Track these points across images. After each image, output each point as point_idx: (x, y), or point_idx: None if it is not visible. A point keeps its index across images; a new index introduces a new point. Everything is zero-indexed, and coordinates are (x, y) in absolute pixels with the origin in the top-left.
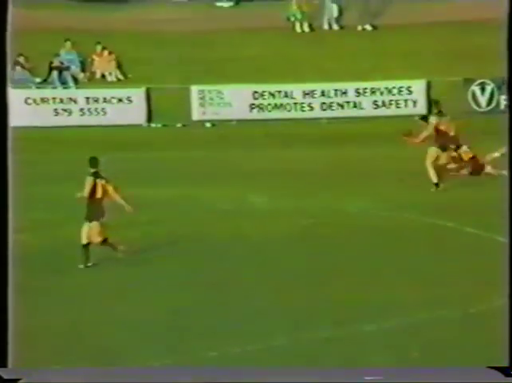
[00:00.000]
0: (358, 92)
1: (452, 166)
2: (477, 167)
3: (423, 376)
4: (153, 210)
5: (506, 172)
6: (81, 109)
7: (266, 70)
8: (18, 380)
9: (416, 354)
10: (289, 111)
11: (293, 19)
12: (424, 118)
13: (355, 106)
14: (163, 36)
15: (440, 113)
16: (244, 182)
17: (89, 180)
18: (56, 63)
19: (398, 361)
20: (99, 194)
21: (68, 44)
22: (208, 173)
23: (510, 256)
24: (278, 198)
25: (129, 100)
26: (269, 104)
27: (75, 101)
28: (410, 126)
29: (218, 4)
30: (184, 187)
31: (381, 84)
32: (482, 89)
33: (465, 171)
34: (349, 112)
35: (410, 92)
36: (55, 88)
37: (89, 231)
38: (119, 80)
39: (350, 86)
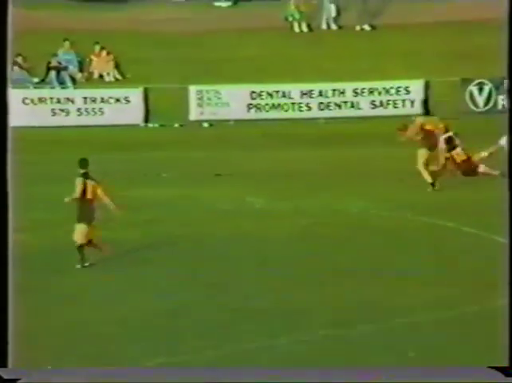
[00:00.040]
0: (356, 92)
1: (434, 168)
2: (470, 169)
3: (423, 376)
4: (151, 210)
5: (497, 172)
6: (79, 109)
7: (264, 70)
8: (18, 380)
9: (416, 354)
10: (286, 111)
11: (291, 19)
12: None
13: (352, 106)
14: (161, 36)
15: (427, 113)
16: (242, 182)
17: (79, 181)
18: (54, 63)
19: (398, 361)
20: (89, 195)
21: (67, 44)
22: (206, 173)
23: (510, 256)
24: (276, 198)
25: (127, 100)
26: (266, 104)
27: (72, 101)
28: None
29: (217, 4)
30: (182, 187)
31: (379, 84)
32: (480, 89)
33: (458, 173)
34: (347, 112)
35: (408, 92)
36: (53, 88)
37: (83, 232)
38: (117, 80)
39: (348, 86)
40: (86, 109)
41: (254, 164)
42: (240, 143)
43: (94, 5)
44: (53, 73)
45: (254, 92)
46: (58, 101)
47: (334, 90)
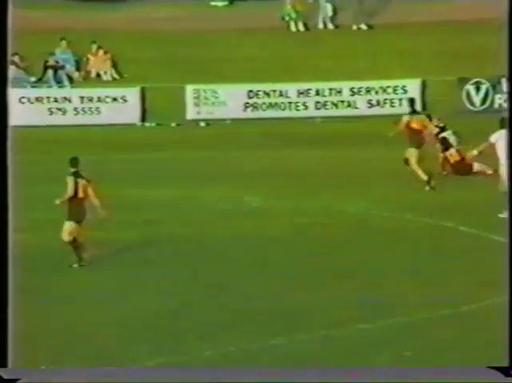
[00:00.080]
0: (353, 92)
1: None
2: (463, 169)
3: (423, 376)
4: (148, 209)
5: (491, 171)
6: (75, 108)
7: (261, 69)
8: (18, 380)
9: (416, 354)
10: (283, 110)
11: (287, 18)
12: (427, 117)
13: (349, 105)
14: (158, 35)
15: (414, 112)
16: (239, 181)
17: (71, 180)
18: (51, 62)
19: (397, 361)
20: (80, 193)
21: (64, 43)
22: (203, 172)
23: (510, 256)
24: (273, 197)
25: (124, 99)
26: (263, 103)
27: (69, 100)
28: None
29: (213, 3)
30: (179, 186)
31: (376, 84)
32: (477, 88)
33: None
34: (344, 111)
35: (405, 92)
36: (50, 87)
37: (69, 230)
38: (114, 79)
39: (345, 85)
40: (83, 108)
41: (252, 163)
42: (237, 142)
43: (91, 5)
44: (50, 72)
45: (250, 91)
46: (55, 100)
47: (331, 89)
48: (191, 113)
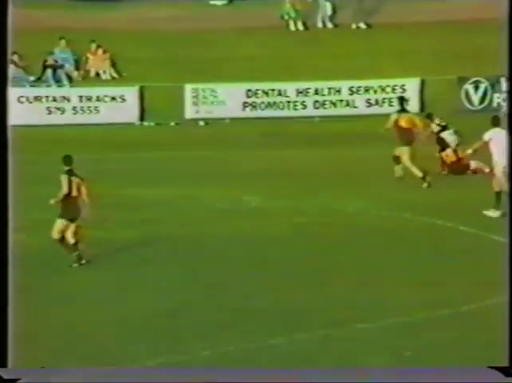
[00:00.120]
0: (351, 91)
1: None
2: (459, 169)
3: (423, 376)
4: (147, 208)
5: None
6: (74, 108)
7: (260, 69)
8: (18, 380)
9: (416, 354)
10: (282, 109)
11: (286, 17)
12: (429, 116)
13: (348, 104)
14: (157, 35)
15: (403, 110)
16: (238, 180)
17: (64, 178)
18: (50, 61)
19: (397, 361)
20: (74, 192)
21: (63, 42)
22: (202, 172)
23: (510, 256)
24: (272, 196)
25: (122, 98)
26: (262, 103)
27: (68, 100)
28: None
29: (212, 2)
30: (178, 185)
31: (375, 83)
32: (476, 88)
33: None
34: (342, 110)
35: (403, 91)
36: (49, 86)
37: (59, 228)
38: (113, 78)
39: (344, 84)
40: (82, 108)
41: (250, 163)
42: (236, 141)
43: (90, 4)
44: (49, 72)
45: (249, 90)
46: (54, 100)
47: (330, 88)
48: (189, 112)
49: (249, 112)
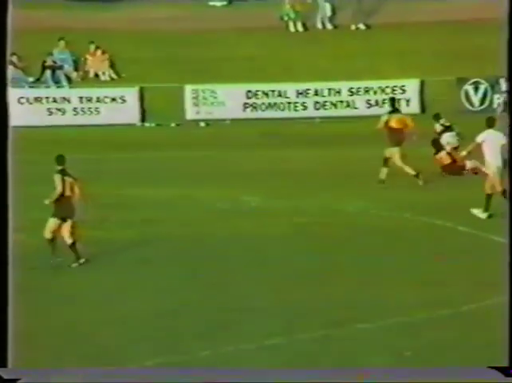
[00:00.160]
0: (351, 92)
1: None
2: (454, 171)
3: (423, 376)
4: (147, 209)
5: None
6: (75, 109)
7: (260, 69)
8: (18, 380)
9: (416, 354)
10: (282, 110)
11: (286, 18)
12: (436, 116)
13: (348, 105)
14: (157, 35)
15: (394, 111)
16: (238, 181)
17: (58, 178)
18: (49, 62)
19: (397, 361)
20: (67, 191)
21: (62, 43)
22: (202, 172)
23: (510, 256)
24: (272, 196)
25: (123, 99)
26: (262, 104)
27: (68, 101)
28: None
29: (211, 3)
30: (178, 186)
31: (375, 84)
32: (476, 88)
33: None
34: (342, 111)
35: (403, 92)
36: (48, 87)
37: (52, 227)
38: (112, 79)
39: (344, 85)
40: (82, 109)
41: (250, 163)
42: (236, 142)
43: (89, 5)
44: (48, 72)
45: (249, 91)
46: (54, 101)
47: (330, 89)
48: (190, 113)
49: (249, 113)
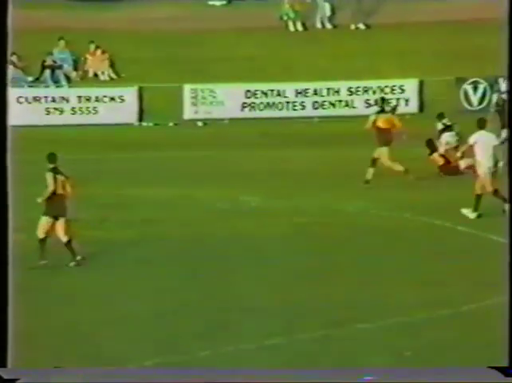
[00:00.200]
0: (350, 91)
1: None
2: (450, 171)
3: (423, 376)
4: (146, 209)
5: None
6: (73, 108)
7: (259, 69)
8: (18, 380)
9: (416, 354)
10: (280, 110)
11: (285, 18)
12: (440, 115)
13: (347, 105)
14: (156, 35)
15: (382, 111)
16: (237, 181)
17: (50, 176)
18: (49, 62)
19: (397, 361)
20: (59, 189)
21: (62, 43)
22: (201, 172)
23: (510, 256)
24: (271, 196)
25: (121, 99)
26: (261, 103)
27: (67, 100)
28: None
29: (211, 3)
30: (177, 186)
31: (374, 83)
32: (475, 88)
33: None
34: (341, 111)
35: (402, 91)
36: (47, 86)
37: (44, 226)
38: (112, 79)
39: (343, 85)
40: (80, 108)
41: (250, 163)
42: (235, 142)
43: (89, 5)
44: (47, 72)
45: (248, 91)
46: (53, 100)
47: (329, 89)
48: (188, 113)
49: (248, 113)
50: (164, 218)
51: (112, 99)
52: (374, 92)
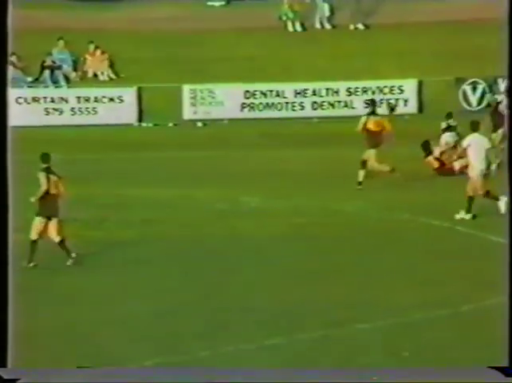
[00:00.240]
0: (349, 92)
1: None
2: (446, 173)
3: (423, 376)
4: (146, 209)
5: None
6: (72, 109)
7: (258, 69)
8: (18, 380)
9: (416, 354)
10: (280, 110)
11: (284, 18)
12: (449, 115)
13: (346, 105)
14: (155, 35)
15: (373, 113)
16: (236, 181)
17: (42, 175)
18: (48, 62)
19: (397, 362)
20: (52, 189)
21: (61, 43)
22: (200, 172)
23: (510, 256)
24: (271, 196)
25: (120, 99)
26: (260, 104)
27: (66, 101)
28: (401, 125)
29: (210, 3)
30: (176, 186)
31: (373, 84)
32: (474, 88)
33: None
34: (340, 111)
35: (401, 92)
36: (46, 87)
37: (38, 227)
38: (111, 79)
39: (342, 85)
40: (80, 109)
41: (249, 163)
42: (234, 142)
43: (89, 5)
44: (46, 72)
45: (247, 91)
46: (52, 101)
47: (328, 89)
48: (187, 113)
49: (247, 113)
50: (164, 218)
51: (112, 99)
52: (373, 93)
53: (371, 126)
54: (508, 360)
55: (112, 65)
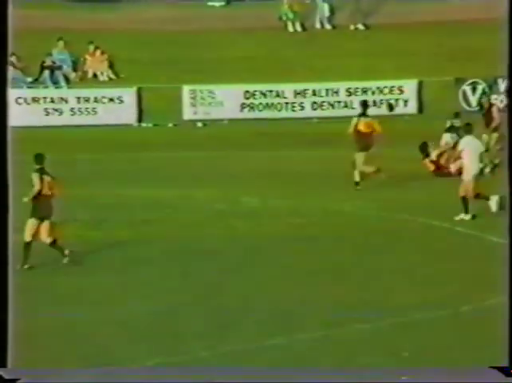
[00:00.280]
0: (349, 92)
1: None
2: (443, 175)
3: (423, 376)
4: (146, 209)
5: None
6: (72, 109)
7: (258, 70)
8: (18, 380)
9: (416, 354)
10: (279, 110)
11: (284, 18)
12: (456, 114)
13: (346, 106)
14: (155, 36)
15: (363, 115)
16: (236, 181)
17: (36, 176)
18: (48, 62)
19: (397, 362)
20: (45, 190)
21: (61, 43)
22: (200, 173)
23: (510, 256)
24: (270, 197)
25: (120, 99)
26: (260, 104)
27: (66, 101)
28: (400, 126)
29: (210, 3)
30: (176, 186)
31: (372, 84)
32: (474, 89)
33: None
34: (340, 111)
35: (401, 92)
36: (46, 87)
37: (31, 229)
38: (111, 79)
39: (341, 86)
40: (79, 109)
41: (248, 164)
42: (234, 142)
43: (88, 5)
44: (46, 73)
45: (247, 91)
46: (52, 101)
47: (327, 90)
48: (187, 114)
49: (247, 113)
50: (164, 218)
51: (111, 100)
52: (373, 93)
53: (361, 127)
54: (508, 360)
55: (111, 66)
